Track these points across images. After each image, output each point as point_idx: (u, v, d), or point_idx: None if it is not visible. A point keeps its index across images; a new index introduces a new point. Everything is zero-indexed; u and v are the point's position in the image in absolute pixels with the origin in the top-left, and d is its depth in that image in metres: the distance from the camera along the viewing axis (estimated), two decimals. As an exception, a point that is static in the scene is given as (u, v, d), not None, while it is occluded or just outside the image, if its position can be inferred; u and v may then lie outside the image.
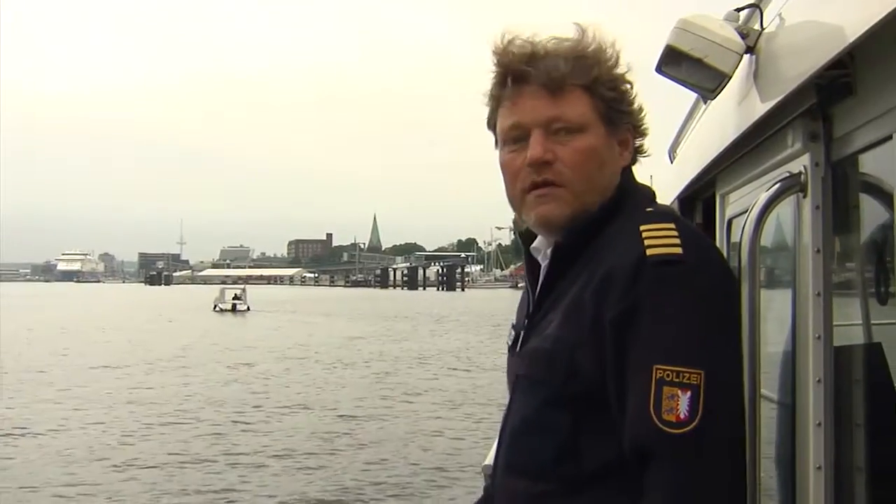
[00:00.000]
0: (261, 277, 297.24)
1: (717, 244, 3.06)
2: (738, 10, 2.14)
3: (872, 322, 2.17)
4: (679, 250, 1.41)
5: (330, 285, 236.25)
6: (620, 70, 1.67)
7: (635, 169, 1.78)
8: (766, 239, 2.10)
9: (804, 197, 1.98)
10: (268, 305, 78.01)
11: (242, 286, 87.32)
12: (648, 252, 1.41)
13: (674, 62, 2.15)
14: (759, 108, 2.05)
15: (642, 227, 1.45)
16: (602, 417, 1.41)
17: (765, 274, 2.39)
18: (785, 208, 2.06)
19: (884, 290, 2.15)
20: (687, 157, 3.57)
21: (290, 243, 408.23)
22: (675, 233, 1.44)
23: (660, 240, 1.42)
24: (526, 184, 1.61)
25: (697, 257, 1.43)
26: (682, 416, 1.31)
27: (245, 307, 70.70)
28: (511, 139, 1.64)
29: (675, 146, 4.17)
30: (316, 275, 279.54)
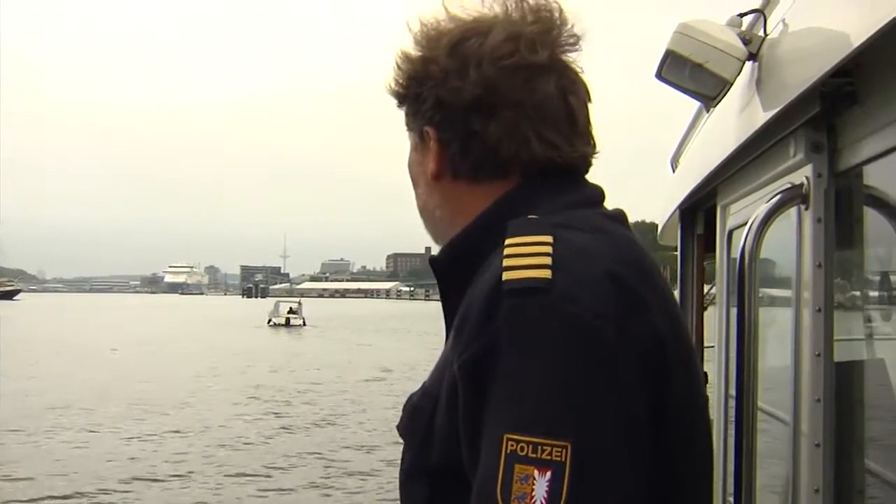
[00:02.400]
0: (358, 290, 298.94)
1: (718, 257, 3.00)
2: (742, 15, 2.08)
3: (876, 337, 2.11)
4: (546, 274, 1.04)
5: (425, 299, 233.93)
6: (404, 68, 1.31)
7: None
8: (767, 252, 2.04)
9: (806, 209, 1.92)
10: (331, 321, 72.36)
11: (298, 300, 79.34)
12: (504, 276, 1.05)
13: (674, 68, 2.10)
14: (761, 117, 1.99)
15: (507, 241, 1.10)
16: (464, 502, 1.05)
17: (765, 288, 2.33)
18: (787, 220, 2.00)
19: (888, 306, 2.08)
20: (688, 166, 3.51)
21: (388, 257, 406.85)
22: (547, 248, 1.07)
23: (523, 259, 1.07)
24: None
25: (573, 283, 1.04)
26: None
27: (300, 322, 66.07)
28: None
29: (677, 155, 4.12)
30: (412, 289, 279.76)
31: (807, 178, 1.90)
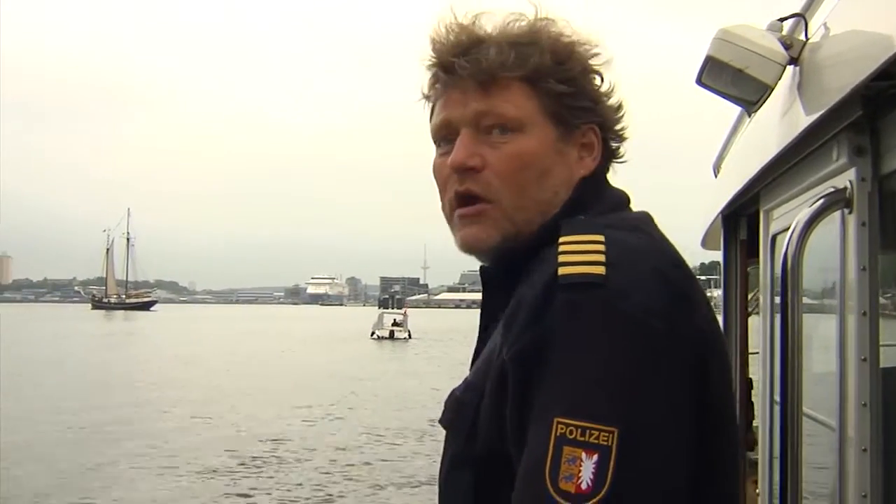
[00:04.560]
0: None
1: (761, 262, 2.98)
2: (782, 19, 2.08)
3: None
4: (601, 270, 1.10)
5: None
6: (580, 59, 1.32)
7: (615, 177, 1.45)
8: (811, 256, 2.03)
9: (849, 213, 1.91)
10: (444, 333, 67.53)
11: (403, 311, 73.79)
12: (560, 272, 1.11)
13: (715, 74, 2.10)
14: (803, 121, 1.99)
15: (561, 239, 1.16)
16: (508, 489, 1.10)
17: (810, 293, 2.31)
18: (830, 225, 2.00)
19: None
20: (730, 171, 3.49)
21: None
22: (600, 247, 1.13)
23: (578, 256, 1.12)
24: (451, 195, 1.33)
25: (626, 280, 1.10)
26: (583, 486, 1.01)
27: (404, 335, 61.95)
28: (441, 140, 1.36)
29: (719, 160, 4.09)
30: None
31: (850, 181, 1.89)
